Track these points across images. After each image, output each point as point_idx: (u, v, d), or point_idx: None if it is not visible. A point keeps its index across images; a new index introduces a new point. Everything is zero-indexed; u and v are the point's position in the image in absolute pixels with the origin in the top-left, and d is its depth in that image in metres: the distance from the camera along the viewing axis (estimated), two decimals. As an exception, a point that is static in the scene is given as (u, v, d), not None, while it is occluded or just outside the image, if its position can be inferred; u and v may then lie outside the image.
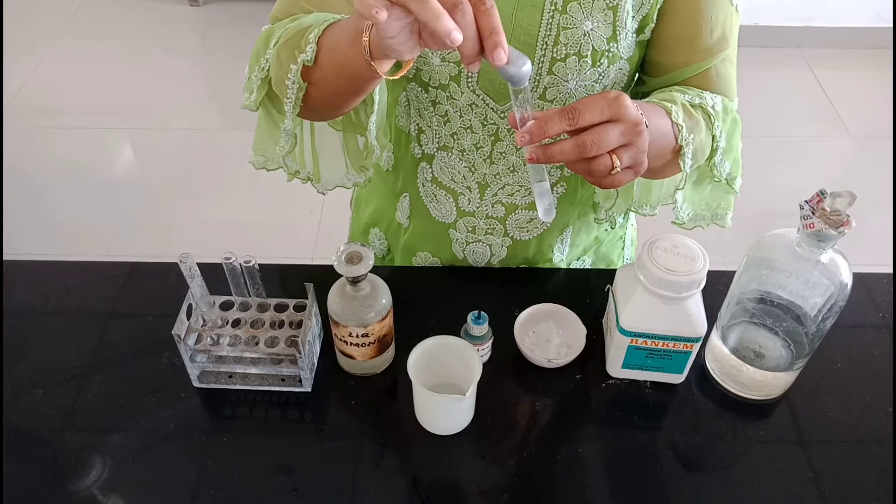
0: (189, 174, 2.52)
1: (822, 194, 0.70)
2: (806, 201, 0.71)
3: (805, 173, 2.55)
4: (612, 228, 1.07)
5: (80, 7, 3.34)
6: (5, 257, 1.01)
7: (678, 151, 0.77)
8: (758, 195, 2.22)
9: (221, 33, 3.21)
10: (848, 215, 0.69)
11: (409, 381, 0.77)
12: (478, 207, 0.95)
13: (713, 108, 0.82)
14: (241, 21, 3.27)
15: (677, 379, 0.86)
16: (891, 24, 3.04)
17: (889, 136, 2.70)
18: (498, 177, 0.92)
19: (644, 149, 0.66)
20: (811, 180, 2.42)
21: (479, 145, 0.90)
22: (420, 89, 0.89)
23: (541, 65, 0.82)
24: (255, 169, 0.94)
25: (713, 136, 0.82)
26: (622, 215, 0.94)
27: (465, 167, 0.93)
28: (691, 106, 0.81)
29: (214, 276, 0.85)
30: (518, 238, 0.98)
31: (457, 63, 0.84)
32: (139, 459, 0.79)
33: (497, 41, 0.57)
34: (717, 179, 0.85)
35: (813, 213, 0.70)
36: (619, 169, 0.64)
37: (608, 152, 0.64)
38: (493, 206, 0.95)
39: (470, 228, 0.97)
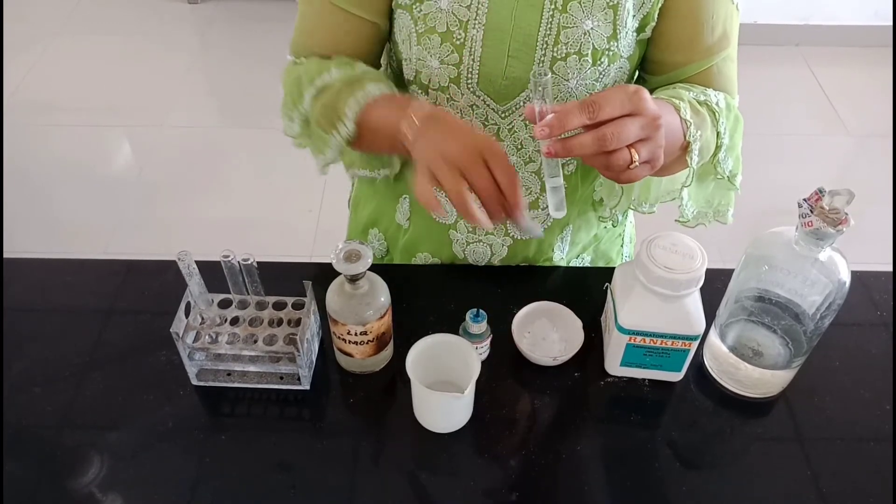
0: (187, 172, 2.52)
1: (820, 192, 0.70)
2: (804, 199, 0.71)
3: (803, 171, 2.55)
4: (613, 227, 1.07)
5: (79, 4, 3.33)
6: (4, 255, 1.01)
7: (685, 148, 0.77)
8: (756, 193, 2.22)
9: (220, 31, 3.21)
10: (846, 213, 0.69)
11: (408, 379, 0.77)
12: (478, 207, 0.95)
13: (717, 105, 0.82)
14: (239, 19, 3.26)
15: (676, 377, 0.86)
16: (889, 23, 3.04)
17: (888, 135, 2.70)
18: None
19: (661, 143, 0.66)
20: (810, 178, 2.41)
21: None
22: (420, 91, 0.89)
23: (541, 64, 0.82)
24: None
25: (718, 133, 0.82)
26: (623, 213, 0.94)
27: None
28: (697, 103, 0.81)
29: (213, 273, 0.84)
30: (518, 237, 0.98)
31: (455, 65, 0.84)
32: (137, 457, 0.79)
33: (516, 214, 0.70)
34: (719, 176, 0.86)
35: (811, 212, 0.70)
36: (637, 163, 0.64)
37: (627, 146, 0.64)
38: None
39: (470, 229, 0.97)
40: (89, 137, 2.66)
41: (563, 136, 0.64)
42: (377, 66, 0.95)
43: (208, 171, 2.52)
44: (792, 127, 2.76)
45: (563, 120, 0.62)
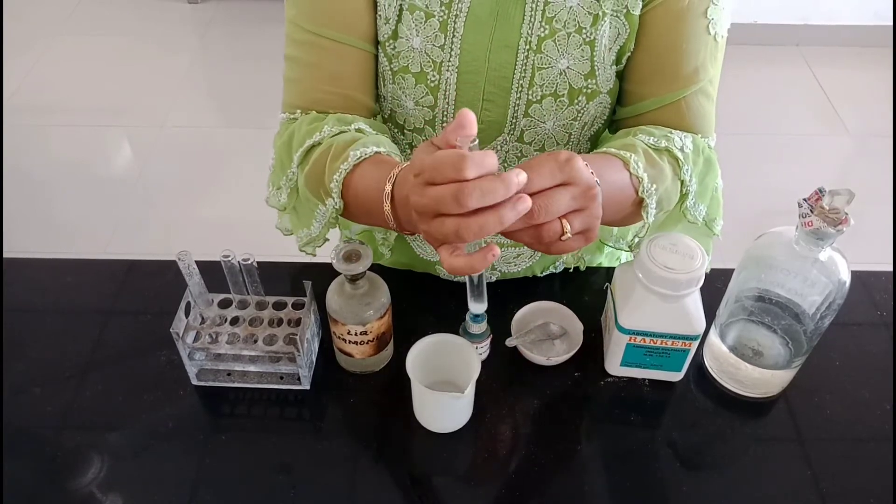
0: (187, 172, 2.52)
1: (820, 192, 0.70)
2: (804, 199, 0.71)
3: (803, 171, 2.55)
4: (581, 270, 1.03)
5: (79, 4, 3.33)
6: (4, 255, 1.01)
7: (640, 203, 0.74)
8: (756, 193, 2.22)
9: (220, 31, 3.21)
10: (846, 213, 0.69)
11: (408, 379, 0.77)
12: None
13: (682, 150, 0.78)
14: (239, 19, 3.27)
15: (676, 377, 0.86)
16: (889, 23, 3.04)
17: (888, 135, 2.70)
18: None
19: (598, 214, 0.60)
20: (810, 178, 2.41)
21: None
22: (397, 131, 0.88)
23: (516, 108, 0.81)
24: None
25: (682, 182, 0.79)
26: (591, 254, 0.91)
27: None
28: (655, 151, 0.77)
29: (213, 273, 0.85)
30: (506, 271, 0.97)
31: (430, 108, 0.83)
32: (138, 457, 0.79)
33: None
34: (691, 222, 0.83)
35: (811, 212, 0.70)
36: (569, 235, 0.59)
37: (559, 217, 0.58)
38: (476, 246, 0.93)
39: None
40: (89, 137, 2.66)
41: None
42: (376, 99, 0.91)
43: (208, 171, 2.52)
44: (792, 127, 2.76)
45: None
